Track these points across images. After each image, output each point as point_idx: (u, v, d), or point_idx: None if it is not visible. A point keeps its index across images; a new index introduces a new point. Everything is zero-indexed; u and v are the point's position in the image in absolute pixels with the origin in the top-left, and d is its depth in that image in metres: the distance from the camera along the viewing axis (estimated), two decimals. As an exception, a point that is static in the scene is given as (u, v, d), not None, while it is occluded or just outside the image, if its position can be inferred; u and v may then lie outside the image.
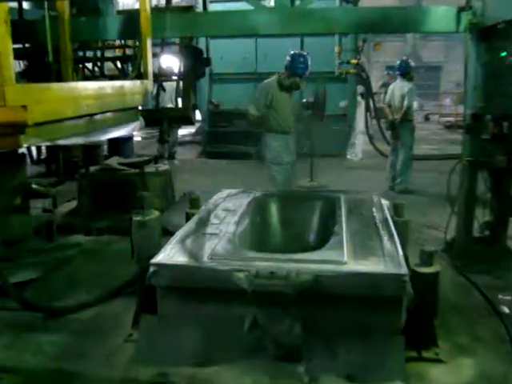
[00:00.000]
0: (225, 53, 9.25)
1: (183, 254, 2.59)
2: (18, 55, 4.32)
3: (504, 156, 3.66)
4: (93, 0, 5.20)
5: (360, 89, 9.28)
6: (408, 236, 3.15)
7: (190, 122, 6.15)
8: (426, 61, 23.49)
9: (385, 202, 3.55)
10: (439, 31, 4.60)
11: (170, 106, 7.13)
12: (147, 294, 2.63)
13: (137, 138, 11.07)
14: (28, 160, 6.34)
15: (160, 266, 2.49)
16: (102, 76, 5.86)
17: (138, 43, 5.20)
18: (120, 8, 8.95)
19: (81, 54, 5.96)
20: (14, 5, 4.94)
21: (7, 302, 2.99)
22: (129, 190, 4.69)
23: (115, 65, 6.30)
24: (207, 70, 7.32)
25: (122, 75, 5.90)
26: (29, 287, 3.42)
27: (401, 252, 2.54)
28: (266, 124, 5.19)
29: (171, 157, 9.59)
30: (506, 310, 3.11)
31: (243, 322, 2.40)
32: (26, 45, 5.21)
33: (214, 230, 2.96)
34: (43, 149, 8.21)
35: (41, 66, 4.87)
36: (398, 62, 7.11)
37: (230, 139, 9.79)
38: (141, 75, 4.73)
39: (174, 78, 6.17)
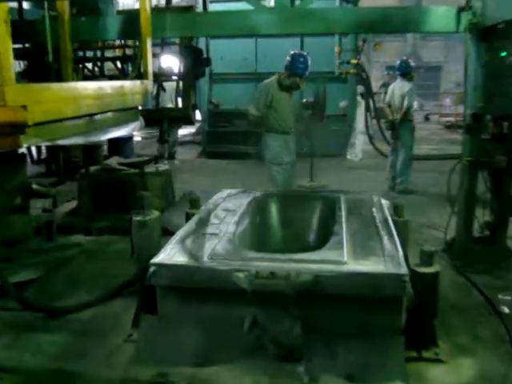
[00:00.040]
0: (225, 53, 9.25)
1: (183, 253, 2.59)
2: (18, 55, 4.32)
3: (504, 156, 3.66)
4: (93, 0, 5.21)
5: (360, 89, 9.26)
6: (408, 236, 3.15)
7: (190, 121, 6.17)
8: (426, 61, 23.48)
9: (385, 202, 3.55)
10: (439, 31, 4.60)
11: (170, 105, 7.14)
12: (147, 293, 2.64)
13: (137, 138, 11.06)
14: (28, 160, 6.33)
15: (160, 265, 2.49)
16: (102, 76, 5.86)
17: (137, 43, 5.20)
18: (120, 8, 8.96)
19: (81, 53, 5.97)
20: (14, 5, 4.95)
21: (7, 302, 3.00)
22: (129, 190, 4.69)
23: (115, 65, 6.30)
24: (207, 69, 7.33)
25: (122, 75, 5.91)
26: (29, 287, 3.42)
27: (401, 252, 2.54)
28: (265, 124, 5.18)
29: (171, 157, 9.58)
30: (506, 309, 3.11)
31: (243, 322, 2.40)
32: (26, 45, 5.22)
33: (214, 230, 2.96)
34: (43, 149, 8.22)
35: (41, 65, 4.87)
36: (398, 62, 7.10)
37: (230, 139, 9.77)
38: (141, 75, 4.73)
39: (174, 78, 6.18)
